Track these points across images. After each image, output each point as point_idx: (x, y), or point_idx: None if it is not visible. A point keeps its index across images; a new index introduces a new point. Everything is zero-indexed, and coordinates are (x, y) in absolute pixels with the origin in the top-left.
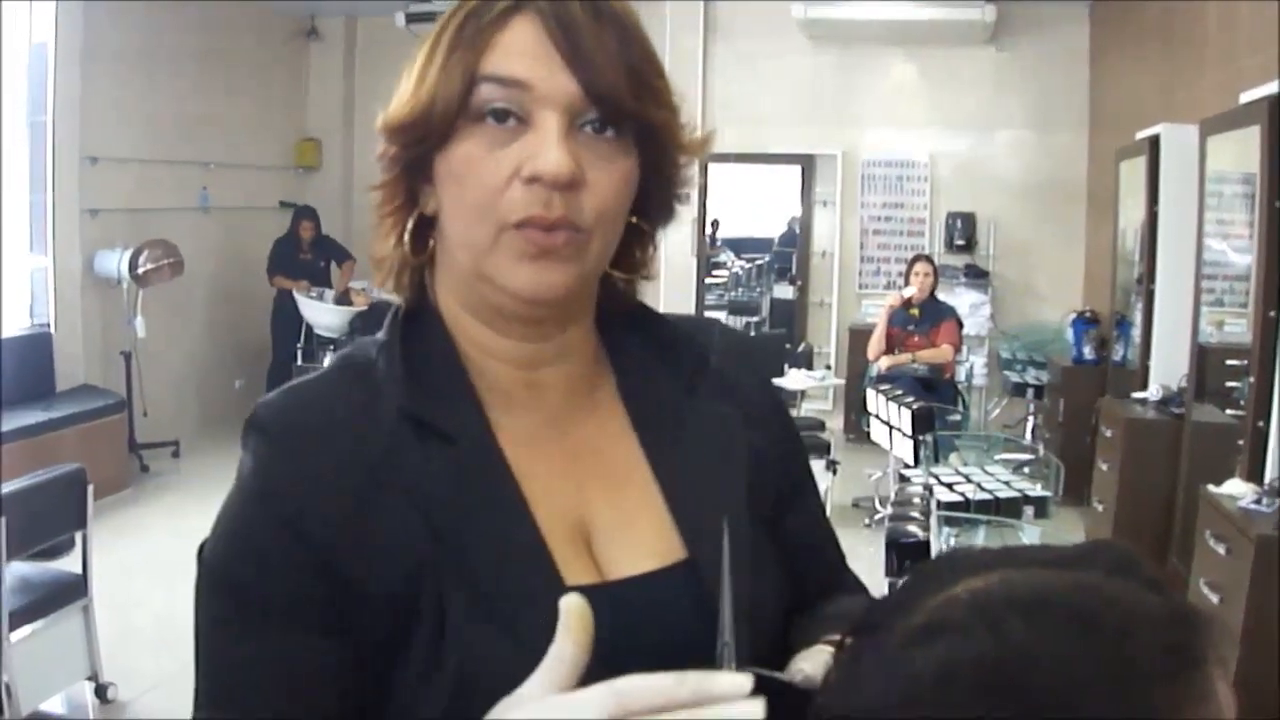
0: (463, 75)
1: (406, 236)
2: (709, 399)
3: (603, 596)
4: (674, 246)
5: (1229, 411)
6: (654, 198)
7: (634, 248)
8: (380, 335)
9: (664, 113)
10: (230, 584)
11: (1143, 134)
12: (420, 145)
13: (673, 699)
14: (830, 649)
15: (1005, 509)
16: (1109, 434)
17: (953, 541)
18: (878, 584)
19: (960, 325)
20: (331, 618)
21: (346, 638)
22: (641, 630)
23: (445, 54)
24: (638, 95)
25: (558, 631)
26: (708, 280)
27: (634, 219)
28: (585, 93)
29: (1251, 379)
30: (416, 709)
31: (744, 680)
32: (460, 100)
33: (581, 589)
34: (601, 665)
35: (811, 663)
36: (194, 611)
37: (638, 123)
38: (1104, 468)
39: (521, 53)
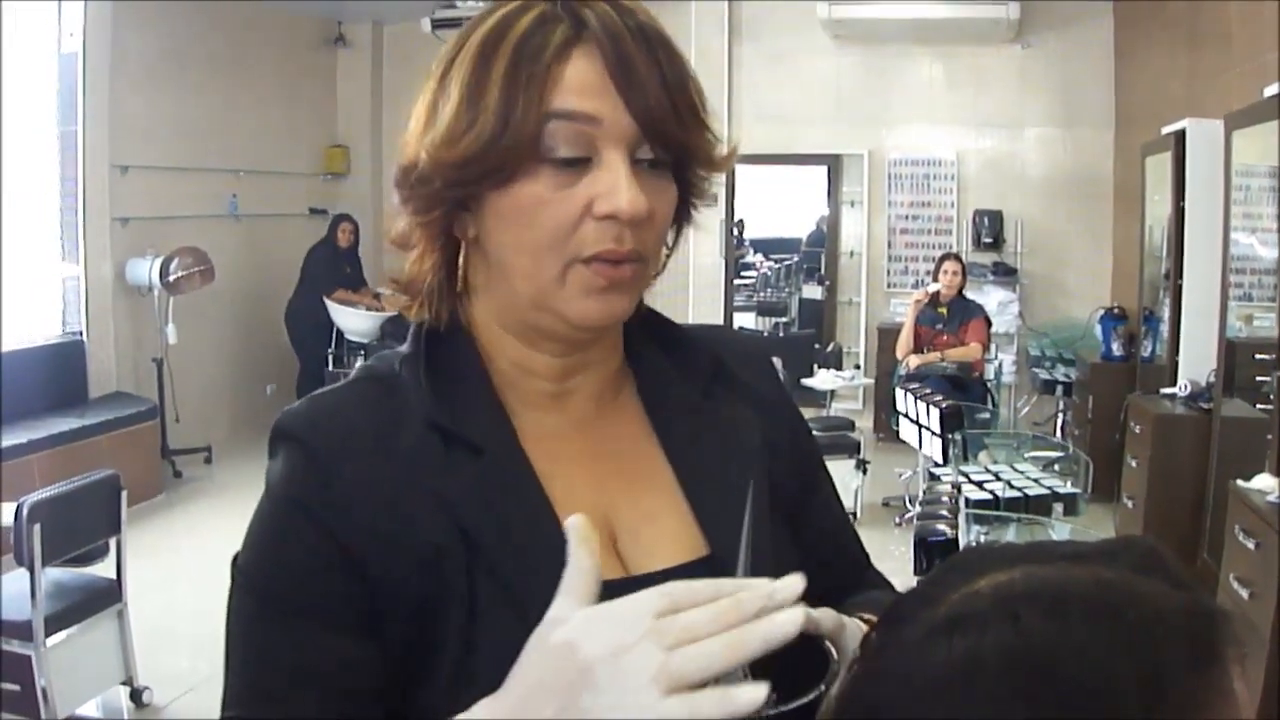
0: (534, 115)
1: (459, 270)
2: (725, 400)
3: (627, 590)
4: (703, 249)
5: (1258, 406)
6: (680, 208)
7: None
8: (404, 348)
9: (705, 137)
10: (263, 586)
11: (1168, 129)
12: (478, 183)
13: (718, 593)
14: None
15: (1035, 506)
16: (1138, 430)
17: (982, 539)
18: (907, 583)
19: (989, 323)
20: (362, 619)
21: (378, 639)
22: None
23: (503, 88)
24: (684, 125)
25: (569, 549)
26: (736, 281)
27: None
28: (641, 129)
29: None
30: (447, 708)
31: (792, 582)
32: (532, 140)
33: (606, 583)
34: None
35: (820, 611)
36: (226, 616)
37: (681, 150)
38: (1133, 464)
39: (587, 88)
